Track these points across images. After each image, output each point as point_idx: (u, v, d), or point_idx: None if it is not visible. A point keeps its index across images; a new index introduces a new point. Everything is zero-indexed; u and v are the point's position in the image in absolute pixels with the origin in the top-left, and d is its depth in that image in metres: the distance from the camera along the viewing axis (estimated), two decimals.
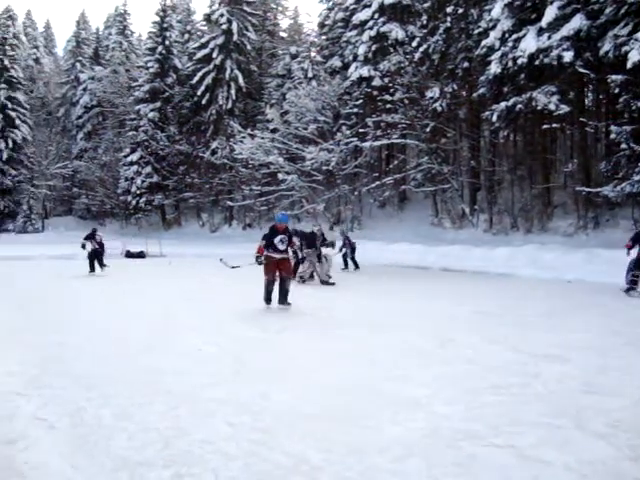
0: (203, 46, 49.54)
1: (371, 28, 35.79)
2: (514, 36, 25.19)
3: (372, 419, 5.01)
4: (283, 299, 11.66)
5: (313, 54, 44.30)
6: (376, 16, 35.80)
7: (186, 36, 57.54)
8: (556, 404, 5.37)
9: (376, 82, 34.62)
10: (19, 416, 5.33)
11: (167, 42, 53.40)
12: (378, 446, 4.40)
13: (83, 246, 20.67)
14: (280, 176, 38.50)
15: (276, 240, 11.60)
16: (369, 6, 36.55)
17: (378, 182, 34.97)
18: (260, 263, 11.64)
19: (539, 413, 5.11)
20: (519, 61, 24.39)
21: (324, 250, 17.40)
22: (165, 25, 54.15)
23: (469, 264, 21.31)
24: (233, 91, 47.92)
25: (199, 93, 48.55)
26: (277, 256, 11.63)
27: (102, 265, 20.46)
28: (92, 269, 20.12)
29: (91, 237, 20.74)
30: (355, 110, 36.82)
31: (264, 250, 11.59)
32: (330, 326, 9.72)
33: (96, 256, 20.44)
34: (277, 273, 11.61)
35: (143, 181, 51.06)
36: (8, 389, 6.13)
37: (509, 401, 5.48)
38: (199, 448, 4.46)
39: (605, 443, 4.41)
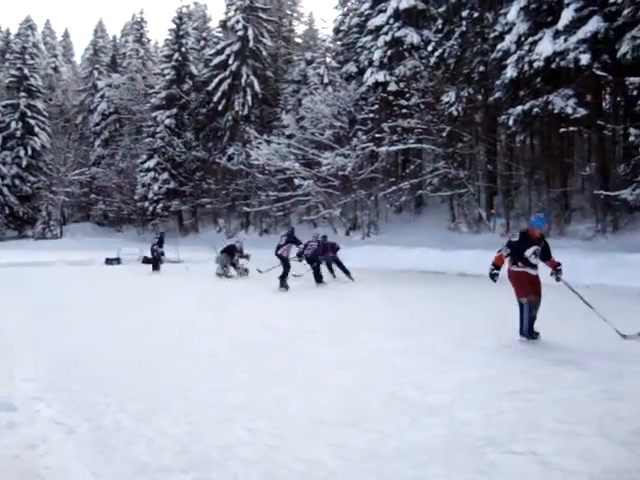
0: (219, 52, 49.72)
1: (386, 33, 35.74)
2: (530, 39, 25.06)
3: (391, 425, 5.00)
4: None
5: (328, 60, 44.33)
6: (391, 21, 35.76)
7: (202, 43, 57.84)
8: (575, 410, 5.32)
9: (392, 87, 34.54)
10: (39, 420, 5.37)
11: (183, 49, 53.67)
12: (397, 452, 4.39)
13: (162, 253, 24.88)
14: (296, 182, 38.49)
15: (528, 252, 8.95)
16: (384, 11, 36.50)
17: (394, 187, 34.85)
18: (495, 278, 9.24)
19: (558, 419, 5.07)
20: (535, 64, 24.25)
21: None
22: (181, 32, 54.41)
23: (486, 269, 21.10)
24: (249, 97, 48.04)
25: (215, 99, 48.71)
26: (532, 272, 9.05)
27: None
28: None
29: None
30: (371, 115, 36.78)
31: (511, 264, 9.00)
32: (347, 331, 9.71)
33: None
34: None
35: (160, 187, 51.28)
36: (27, 394, 6.17)
37: (527, 407, 5.45)
38: (217, 454, 4.47)
39: (628, 451, 4.36)
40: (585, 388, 6.06)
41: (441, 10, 32.88)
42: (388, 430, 4.86)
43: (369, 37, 38.07)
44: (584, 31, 22.78)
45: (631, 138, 21.46)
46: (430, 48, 32.77)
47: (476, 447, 4.46)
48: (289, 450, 4.50)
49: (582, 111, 23.51)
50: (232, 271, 21.93)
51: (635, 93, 21.35)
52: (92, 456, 4.53)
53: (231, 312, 12.48)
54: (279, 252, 17.22)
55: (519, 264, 8.93)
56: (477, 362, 7.25)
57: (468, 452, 4.37)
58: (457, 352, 7.97)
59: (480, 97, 30.67)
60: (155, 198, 51.39)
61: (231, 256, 22.09)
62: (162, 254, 24.88)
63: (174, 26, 54.50)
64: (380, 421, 5.09)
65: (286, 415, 5.36)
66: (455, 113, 30.46)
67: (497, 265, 9.15)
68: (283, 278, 16.78)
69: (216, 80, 48.73)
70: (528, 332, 8.54)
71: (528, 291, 8.75)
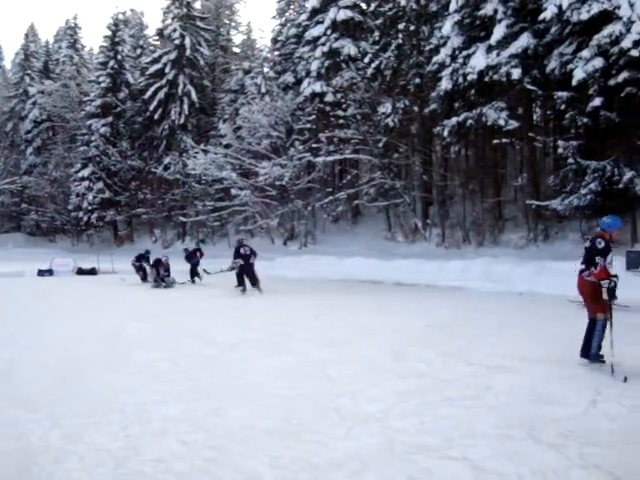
0: (155, 61, 49.23)
1: (324, 44, 35.98)
2: (464, 53, 25.63)
3: (327, 434, 5.01)
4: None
5: (266, 70, 44.32)
6: (329, 32, 36.01)
7: (138, 51, 57.05)
8: (508, 415, 5.45)
9: (329, 98, 34.81)
10: None
11: (119, 56, 52.90)
12: (333, 462, 4.40)
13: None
14: (233, 191, 38.37)
15: (608, 260, 7.76)
16: (322, 22, 36.74)
17: (331, 197, 35.06)
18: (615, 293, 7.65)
19: (492, 425, 5.18)
20: (469, 77, 24.81)
21: None
22: (117, 39, 53.62)
23: (422, 278, 21.43)
24: (186, 106, 47.65)
25: (151, 108, 48.16)
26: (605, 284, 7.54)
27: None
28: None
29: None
30: (308, 125, 36.89)
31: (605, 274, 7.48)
32: (284, 342, 9.69)
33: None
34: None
35: (95, 197, 50.32)
36: None
37: (463, 414, 5.53)
38: (151, 467, 4.40)
39: (556, 453, 4.49)
40: (518, 393, 6.21)
41: (378, 22, 33.34)
42: (324, 440, 4.87)
43: (307, 48, 38.25)
44: (515, 46, 23.46)
45: (560, 150, 22.15)
46: (367, 60, 33.17)
47: (410, 454, 4.51)
48: (226, 462, 4.46)
49: (514, 123, 24.21)
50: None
51: (563, 107, 22.11)
52: (18, 477, 4.39)
53: (167, 323, 12.32)
54: (250, 261, 18.46)
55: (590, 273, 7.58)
56: (413, 371, 7.33)
57: (402, 459, 4.42)
58: (392, 361, 8.04)
59: (416, 108, 31.11)
60: (89, 208, 50.38)
61: (157, 272, 22.15)
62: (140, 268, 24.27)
63: (109, 33, 53.64)
64: (316, 431, 5.10)
65: (223, 426, 5.32)
66: (391, 124, 30.86)
67: (604, 278, 7.42)
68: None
69: (152, 89, 48.21)
70: (597, 355, 7.48)
71: (605, 307, 7.46)
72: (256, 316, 13.26)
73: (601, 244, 7.52)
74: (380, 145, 31.98)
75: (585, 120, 21.07)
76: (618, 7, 19.85)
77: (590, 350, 7.45)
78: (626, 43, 19.49)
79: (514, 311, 13.90)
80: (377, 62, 32.37)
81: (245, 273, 18.62)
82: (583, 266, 7.61)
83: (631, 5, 19.62)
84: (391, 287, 20.83)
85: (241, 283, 18.64)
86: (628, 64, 19.73)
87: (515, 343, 9.22)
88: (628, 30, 19.56)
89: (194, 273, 23.27)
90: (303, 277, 23.94)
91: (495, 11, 24.64)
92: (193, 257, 23.68)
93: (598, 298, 7.44)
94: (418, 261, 24.41)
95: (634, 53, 19.32)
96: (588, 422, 5.31)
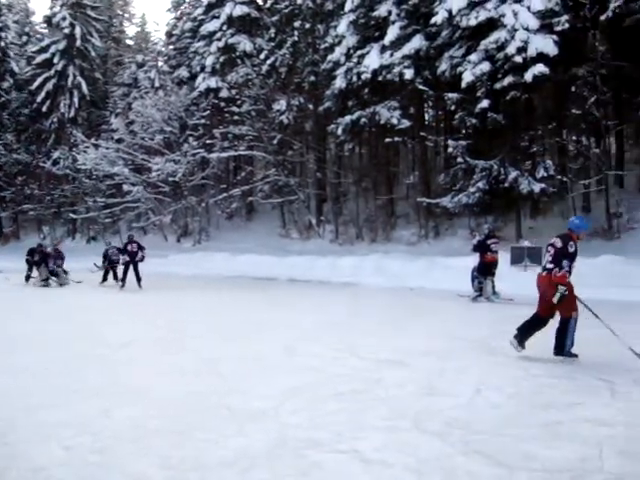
0: (43, 50, 47.31)
1: (219, 39, 35.65)
2: (359, 52, 26.04)
3: (217, 432, 4.95)
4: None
5: (160, 63, 43.52)
6: (224, 28, 35.70)
7: (24, 38, 54.59)
8: (397, 407, 5.56)
9: (224, 93, 34.56)
10: None
11: (2, 43, 50.39)
12: (223, 460, 4.35)
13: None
14: (125, 187, 37.48)
15: (577, 260, 7.80)
16: (217, 17, 36.38)
17: (225, 194, 34.80)
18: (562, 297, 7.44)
19: (381, 417, 5.26)
20: (363, 76, 25.23)
21: None
22: (0, 25, 51.24)
23: (316, 274, 21.62)
24: (76, 99, 46.06)
25: (39, 100, 46.25)
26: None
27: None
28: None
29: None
30: (202, 121, 36.44)
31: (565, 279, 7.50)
32: (176, 339, 9.54)
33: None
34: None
35: None
36: None
37: (353, 408, 5.59)
38: (32, 477, 4.21)
39: (440, 441, 4.63)
40: (407, 386, 6.35)
41: (274, 19, 33.39)
42: (215, 438, 4.81)
43: (202, 42, 37.81)
44: (408, 48, 24.07)
45: (450, 149, 22.83)
46: (263, 56, 33.15)
47: (300, 449, 4.51)
48: (112, 466, 4.32)
49: (406, 122, 24.82)
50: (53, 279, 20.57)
51: (453, 108, 22.83)
52: None
53: (55, 323, 11.87)
54: (137, 258, 18.36)
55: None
56: (305, 367, 7.35)
57: (292, 455, 4.42)
58: (285, 357, 8.06)
59: (311, 106, 31.33)
60: None
61: (46, 264, 20.50)
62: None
63: None
64: (207, 429, 5.03)
65: (111, 428, 5.15)
66: (286, 121, 30.98)
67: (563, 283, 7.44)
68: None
69: (40, 79, 46.30)
70: (570, 351, 7.55)
71: (576, 305, 7.57)
72: (148, 314, 13.01)
73: (572, 247, 7.54)
74: (275, 142, 32.03)
75: (474, 121, 21.84)
76: (503, 15, 20.74)
77: (564, 348, 7.51)
78: (510, 49, 20.38)
79: (405, 306, 14.24)
80: (272, 59, 32.42)
81: (129, 269, 18.61)
82: (552, 265, 7.51)
83: (515, 14, 20.56)
84: (285, 283, 20.91)
85: (122, 279, 18.66)
86: (512, 69, 20.65)
87: (405, 337, 9.44)
88: (512, 37, 20.47)
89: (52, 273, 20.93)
90: (197, 274, 23.69)
91: (389, 12, 25.18)
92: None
93: (569, 297, 7.50)
94: (312, 258, 24.62)
95: (518, 59, 20.25)
96: (472, 411, 5.48)
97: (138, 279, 18.35)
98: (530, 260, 18.89)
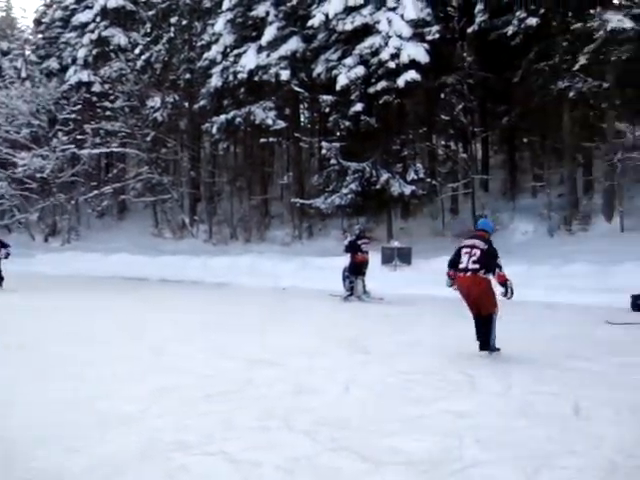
0: None
1: (92, 31, 34.44)
2: (235, 51, 25.94)
3: (83, 439, 4.75)
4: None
5: (28, 53, 41.45)
6: (98, 19, 34.51)
7: None
8: (267, 407, 5.55)
9: (96, 88, 33.48)
10: None
11: None
12: (88, 467, 4.19)
13: None
14: None
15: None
16: (91, 8, 35.16)
17: (96, 191, 33.66)
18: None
19: (251, 417, 5.24)
20: (239, 76, 25.16)
21: None
22: None
23: (189, 274, 21.37)
24: None
25: None
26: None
27: None
28: None
29: None
30: (73, 116, 34.97)
31: (482, 273, 7.80)
32: (38, 343, 9.12)
33: None
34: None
35: None
36: None
37: (223, 409, 5.54)
38: None
39: (309, 439, 4.66)
40: (278, 385, 6.37)
41: (150, 14, 32.63)
42: (79, 445, 4.61)
43: (74, 33, 36.42)
44: (285, 49, 24.23)
45: (324, 151, 23.15)
46: (137, 51, 32.37)
47: (168, 452, 4.41)
48: None
49: (281, 123, 25.00)
50: None
51: (328, 110, 23.18)
52: None
53: None
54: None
55: (488, 272, 7.82)
56: (174, 368, 7.21)
57: (159, 459, 4.31)
58: (154, 359, 7.89)
59: (186, 104, 30.96)
60: None
61: None
62: None
63: None
64: (72, 436, 4.82)
65: None
66: (160, 118, 30.49)
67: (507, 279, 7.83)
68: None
69: None
70: (495, 345, 7.76)
71: (496, 300, 7.86)
72: (9, 317, 12.38)
73: (493, 247, 7.86)
74: (148, 139, 31.40)
75: (347, 123, 22.24)
76: (378, 22, 21.29)
77: (489, 342, 7.70)
78: (384, 55, 20.92)
79: (278, 306, 14.31)
80: (148, 54, 31.69)
81: None
82: (477, 266, 7.67)
83: (389, 22, 21.16)
84: (157, 284, 20.53)
85: None
86: (386, 74, 21.20)
87: (277, 336, 9.48)
88: (386, 44, 21.04)
89: None
90: (65, 274, 22.79)
91: (267, 13, 25.25)
92: None
93: (491, 295, 7.77)
94: (185, 257, 24.34)
95: (391, 65, 20.82)
96: (340, 408, 5.57)
97: (0, 278, 17.47)
98: (400, 260, 19.48)
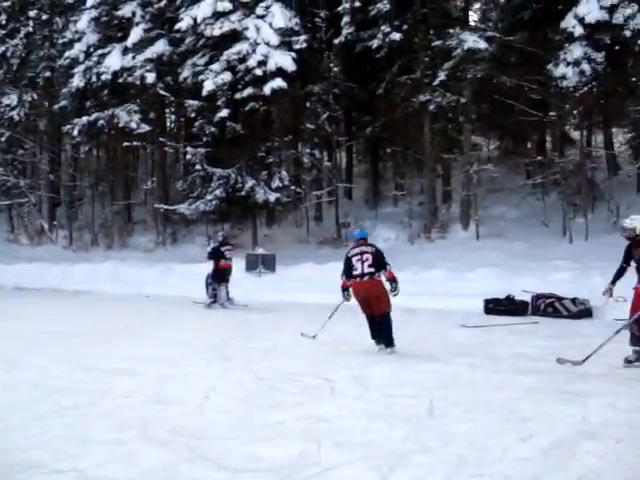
0: None
1: None
2: (100, 51, 25.16)
3: None
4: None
5: None
6: None
7: None
8: (124, 418, 5.42)
9: None
10: None
11: None
12: None
13: None
14: None
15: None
16: None
17: None
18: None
19: (106, 430, 5.09)
20: (103, 77, 24.43)
21: None
22: None
23: (47, 282, 20.55)
24: None
25: None
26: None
27: None
28: None
29: None
30: None
31: (377, 275, 8.60)
32: None
33: None
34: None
35: None
36: None
37: (76, 422, 5.35)
38: None
39: (167, 449, 4.60)
40: (136, 396, 6.26)
41: (6, 4, 30.93)
42: None
43: None
44: (151, 51, 23.82)
45: (189, 156, 22.93)
46: None
47: (15, 473, 4.19)
48: None
49: (146, 127, 24.53)
50: None
51: (194, 115, 22.95)
52: None
53: None
54: None
55: (380, 272, 8.57)
56: (24, 381, 6.93)
57: None
58: (2, 372, 7.52)
59: (45, 104, 29.73)
60: None
61: None
62: None
63: None
64: None
65: None
66: (17, 118, 29.08)
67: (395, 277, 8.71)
68: None
69: None
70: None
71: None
72: None
73: (379, 248, 8.75)
74: (3, 139, 29.83)
75: (213, 129, 22.07)
76: (246, 29, 21.33)
77: (393, 338, 8.32)
78: (252, 62, 20.98)
79: (139, 313, 14.02)
80: (3, 48, 30.10)
81: None
82: (372, 269, 8.39)
83: (257, 29, 21.25)
84: (11, 292, 19.64)
85: None
86: (253, 81, 21.24)
87: (137, 345, 9.31)
88: (254, 51, 21.10)
89: None
90: None
91: (133, 14, 24.67)
92: None
93: (387, 295, 8.46)
94: (43, 264, 23.43)
95: (258, 72, 20.90)
96: (199, 417, 5.55)
97: None
98: (264, 267, 19.56)
